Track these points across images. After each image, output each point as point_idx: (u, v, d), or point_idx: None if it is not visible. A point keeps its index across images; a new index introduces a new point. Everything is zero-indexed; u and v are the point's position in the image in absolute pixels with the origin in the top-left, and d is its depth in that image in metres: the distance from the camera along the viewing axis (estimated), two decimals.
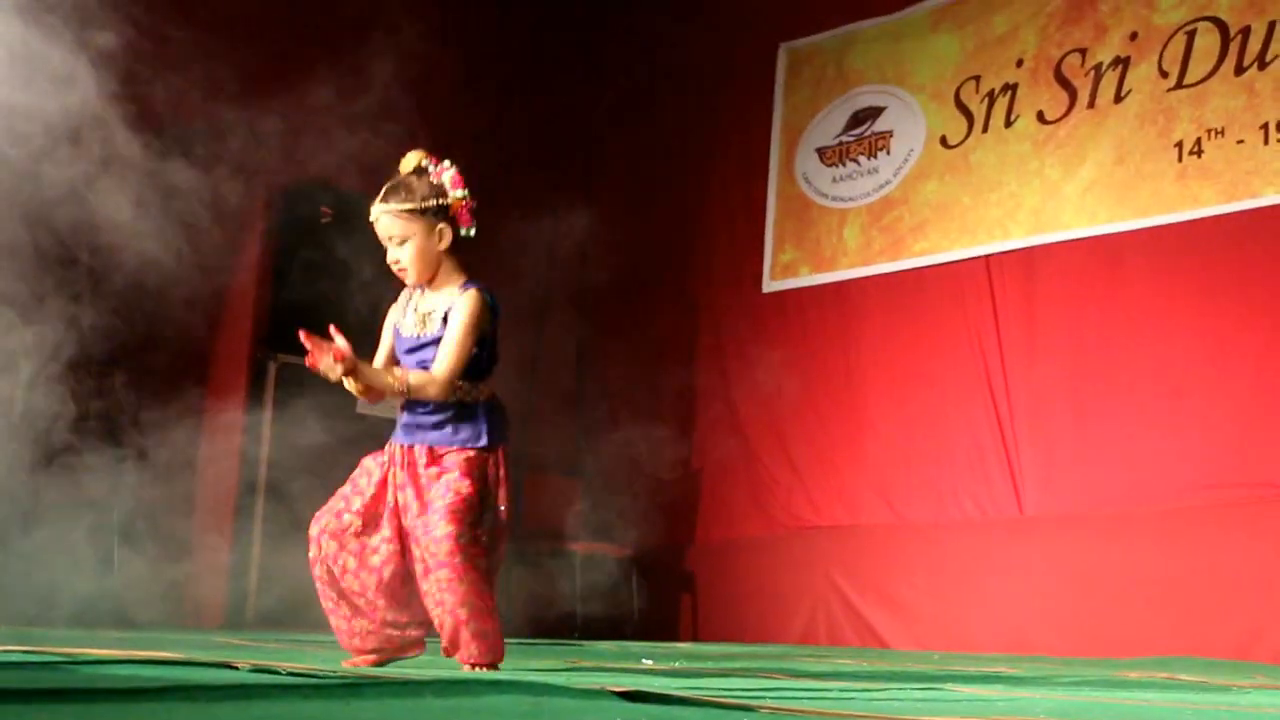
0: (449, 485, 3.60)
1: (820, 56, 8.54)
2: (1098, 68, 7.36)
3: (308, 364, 3.59)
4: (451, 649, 3.63)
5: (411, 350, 3.72)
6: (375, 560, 3.68)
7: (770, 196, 8.61)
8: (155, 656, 3.10)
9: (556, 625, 7.77)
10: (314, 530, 3.73)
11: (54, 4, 5.25)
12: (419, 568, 3.60)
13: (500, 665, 3.65)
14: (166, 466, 6.71)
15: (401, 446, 3.71)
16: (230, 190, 6.66)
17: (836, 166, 8.35)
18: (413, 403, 3.69)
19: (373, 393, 3.68)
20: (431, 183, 3.71)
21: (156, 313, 6.59)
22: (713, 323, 8.77)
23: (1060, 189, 7.39)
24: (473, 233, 3.75)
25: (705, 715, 2.26)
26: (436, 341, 3.67)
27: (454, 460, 3.65)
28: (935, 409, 7.65)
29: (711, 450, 8.57)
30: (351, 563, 3.69)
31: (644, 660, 4.79)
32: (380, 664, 3.75)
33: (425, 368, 3.67)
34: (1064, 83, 7.49)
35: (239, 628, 6.78)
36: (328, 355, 3.52)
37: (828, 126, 8.46)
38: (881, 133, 8.19)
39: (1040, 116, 7.54)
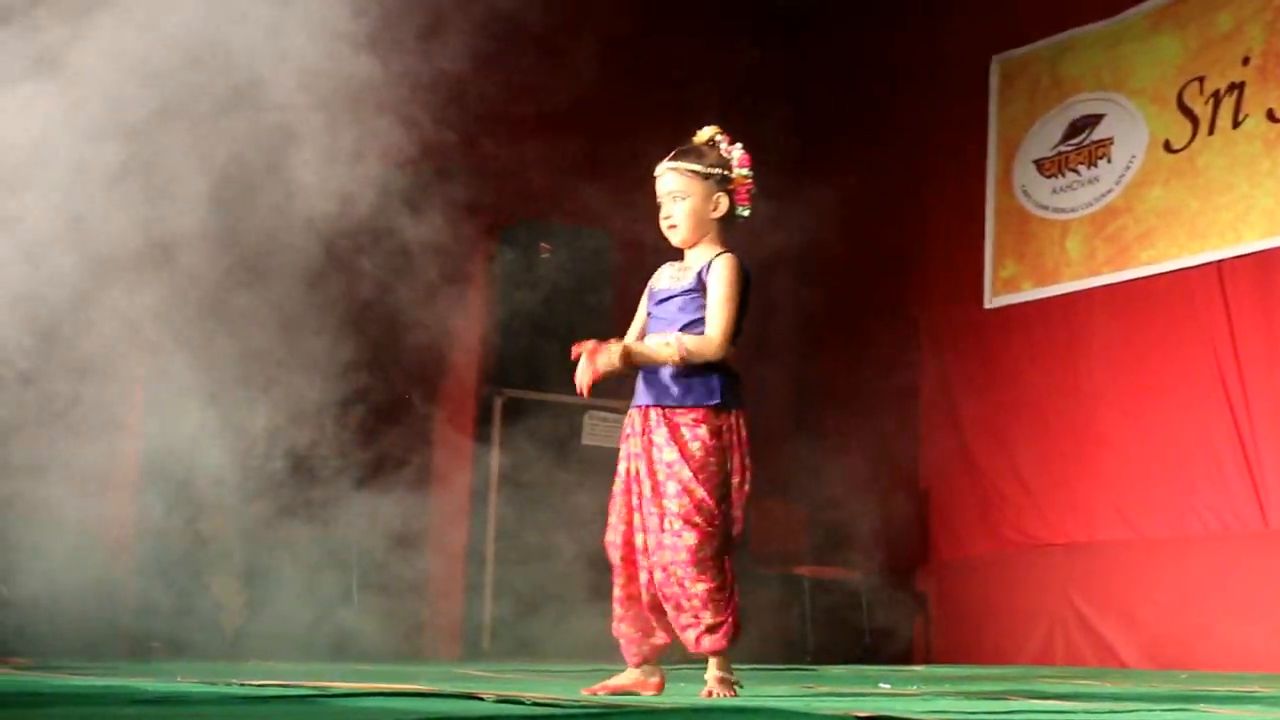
0: (681, 482, 3.63)
1: (1034, 66, 8.43)
2: None
3: (582, 368, 3.67)
4: (693, 645, 3.68)
5: (662, 301, 3.81)
6: (611, 537, 3.80)
7: (988, 211, 8.52)
8: (402, 689, 3.17)
9: (788, 651, 7.71)
10: (606, 540, 3.84)
11: None
12: (659, 575, 3.66)
13: (735, 643, 3.69)
14: (402, 501, 6.88)
15: (638, 409, 3.77)
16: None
17: (1056, 177, 8.21)
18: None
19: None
20: (721, 154, 3.85)
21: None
22: (934, 342, 8.69)
23: None
24: (747, 214, 3.85)
25: None
26: (687, 293, 3.76)
27: (687, 426, 3.68)
28: (1170, 420, 7.46)
29: (938, 469, 8.51)
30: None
31: (881, 684, 4.75)
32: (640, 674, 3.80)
33: (677, 316, 3.75)
34: None
35: (476, 659, 6.89)
36: (602, 352, 3.63)
37: (1045, 137, 8.33)
38: (1101, 140, 8.04)
39: (1270, 115, 7.30)
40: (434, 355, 7.46)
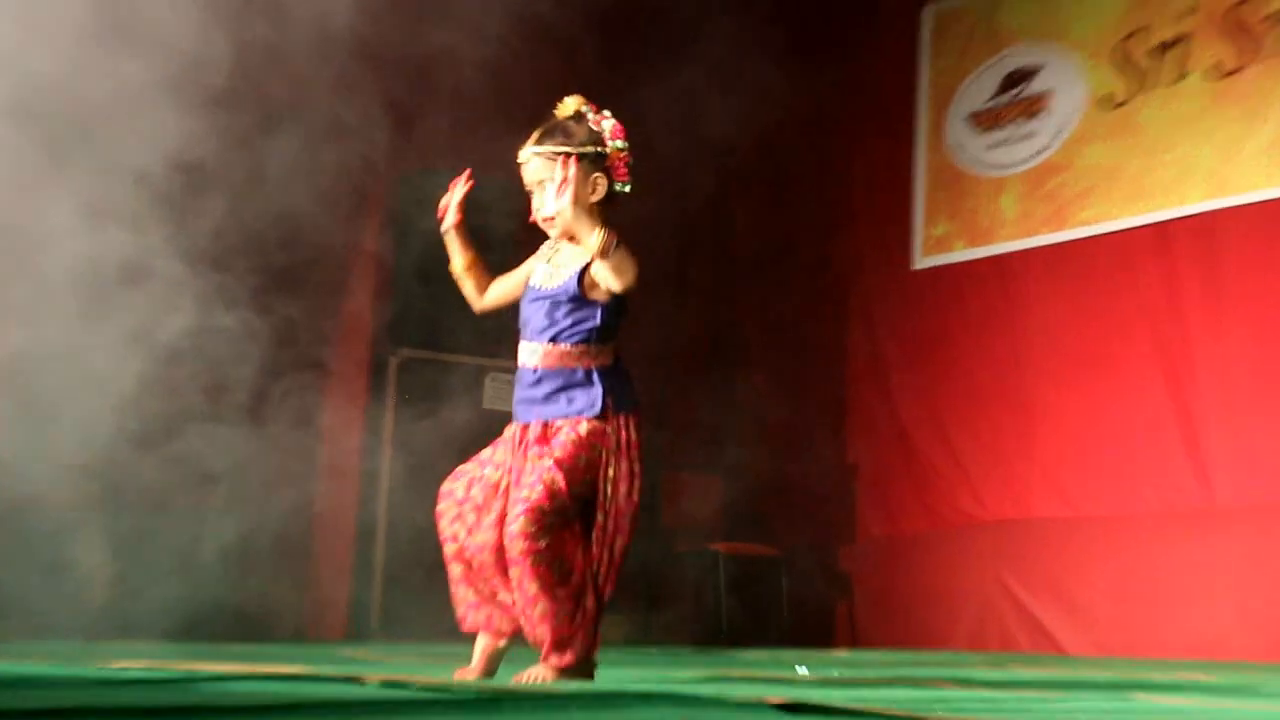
0: (541, 474, 3.49)
1: (969, 15, 8.47)
2: None
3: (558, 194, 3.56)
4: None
5: (535, 300, 3.67)
6: (480, 539, 3.59)
7: (918, 166, 8.55)
8: (278, 671, 3.10)
9: (701, 632, 7.75)
10: (443, 488, 3.71)
11: None
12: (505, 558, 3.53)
13: (585, 669, 3.53)
14: (286, 470, 6.75)
15: (519, 426, 3.64)
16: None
17: (990, 132, 8.25)
18: (524, 377, 3.64)
19: (475, 272, 3.82)
20: (591, 129, 3.66)
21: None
22: (862, 303, 8.72)
23: (1240, 148, 7.23)
24: (628, 189, 3.69)
25: None
26: (568, 298, 3.61)
27: (564, 436, 3.55)
28: (1110, 391, 7.51)
29: (865, 441, 8.53)
30: (462, 533, 3.63)
31: (799, 669, 4.77)
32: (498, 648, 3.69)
33: (547, 320, 3.62)
34: (1242, 31, 7.32)
35: (363, 640, 6.86)
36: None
37: (979, 90, 8.36)
38: (1038, 94, 8.08)
39: (1215, 70, 7.38)
40: (323, 313, 7.33)
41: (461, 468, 3.72)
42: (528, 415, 3.63)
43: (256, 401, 6.50)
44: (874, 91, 8.79)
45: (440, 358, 7.35)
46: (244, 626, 6.37)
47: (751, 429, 8.26)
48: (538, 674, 3.49)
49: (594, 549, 3.55)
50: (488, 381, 7.27)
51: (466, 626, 3.70)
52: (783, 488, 8.25)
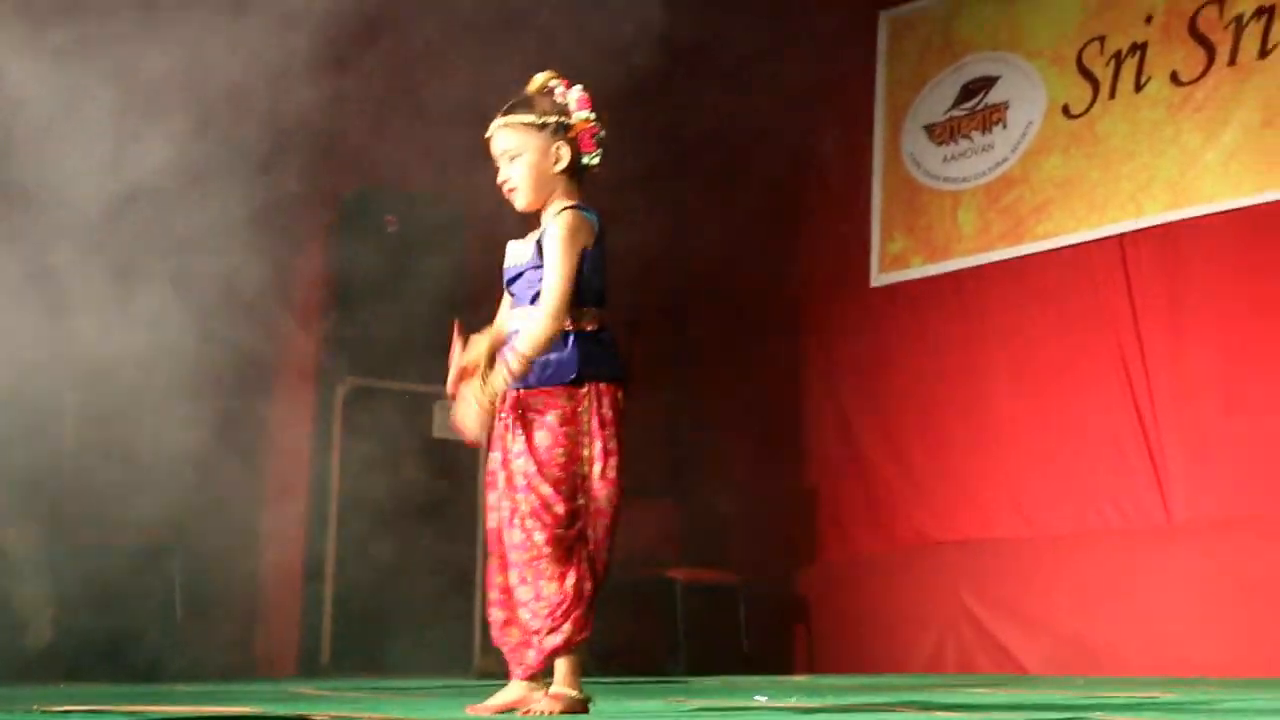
0: (527, 477, 3.49)
1: (925, 24, 8.50)
2: (1239, 20, 7.24)
3: (464, 413, 3.60)
4: (536, 654, 3.54)
5: (512, 280, 3.69)
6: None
7: (875, 180, 8.55)
8: (224, 712, 3.11)
9: (657, 661, 7.74)
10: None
11: None
12: (513, 575, 3.53)
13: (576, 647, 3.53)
14: (231, 502, 6.83)
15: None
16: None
17: (947, 144, 8.29)
18: (510, 341, 3.60)
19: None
20: (556, 101, 3.71)
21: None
22: (817, 322, 8.72)
23: (1200, 157, 7.29)
24: (596, 161, 3.70)
25: None
26: (531, 267, 3.62)
27: (539, 429, 3.54)
28: (1069, 406, 7.56)
29: (822, 462, 8.52)
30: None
31: (757, 697, 4.76)
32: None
33: (525, 294, 3.63)
34: (1200, 39, 7.38)
35: (313, 676, 6.83)
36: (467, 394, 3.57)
37: (936, 101, 8.40)
38: (996, 105, 8.14)
39: (1174, 78, 7.44)
40: (265, 339, 7.27)
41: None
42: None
43: (199, 434, 6.43)
44: (829, 103, 8.78)
45: (388, 385, 7.34)
46: (191, 665, 6.36)
47: (706, 452, 8.29)
48: (540, 708, 3.48)
49: (577, 533, 3.51)
50: (436, 409, 7.17)
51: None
52: (739, 512, 8.25)
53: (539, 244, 3.62)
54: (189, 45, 5.74)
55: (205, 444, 6.56)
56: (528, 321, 3.56)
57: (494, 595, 3.62)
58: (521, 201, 3.71)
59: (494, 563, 3.63)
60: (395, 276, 7.26)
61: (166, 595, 6.67)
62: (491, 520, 3.66)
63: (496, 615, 3.62)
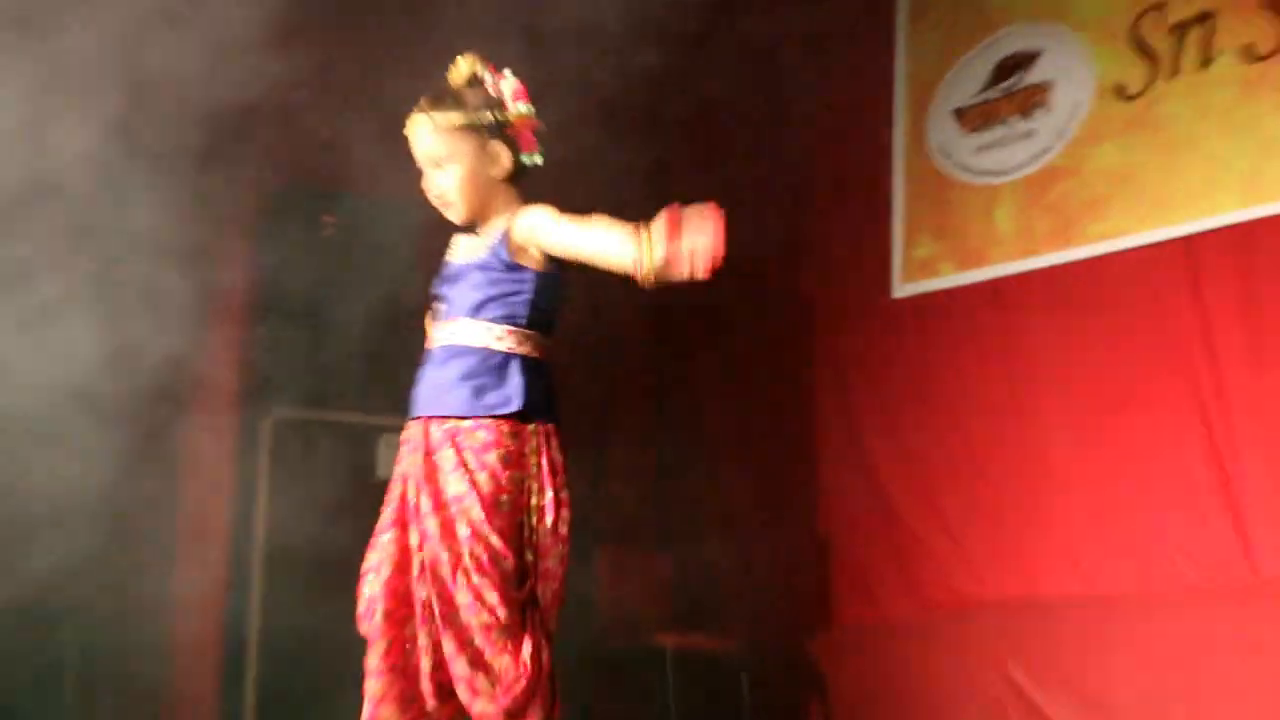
0: (473, 524, 3.37)
1: None
2: None
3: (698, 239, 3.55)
4: None
5: (456, 276, 3.60)
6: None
7: (895, 175, 8.18)
8: None
9: None
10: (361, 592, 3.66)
11: None
12: (449, 644, 3.39)
13: None
14: (135, 564, 6.57)
15: (418, 420, 3.54)
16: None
17: (981, 132, 7.88)
18: (432, 357, 3.57)
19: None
20: (488, 94, 3.60)
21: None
22: (832, 341, 8.34)
23: None
24: (538, 160, 3.63)
25: None
26: (483, 268, 3.54)
27: (473, 450, 3.42)
28: (1131, 442, 7.03)
29: (840, 508, 8.12)
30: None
31: None
32: None
33: (469, 295, 3.56)
34: (1278, 5, 6.92)
35: None
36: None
37: (966, 81, 7.99)
38: (1037, 85, 7.71)
39: (1249, 52, 6.93)
40: (178, 361, 6.74)
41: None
42: (429, 406, 3.52)
43: (95, 474, 6.15)
44: (845, 86, 8.47)
45: (324, 417, 7.08)
46: None
47: (702, 496, 8.04)
48: None
49: (528, 594, 3.44)
50: (381, 445, 6.99)
51: None
52: (742, 567, 7.93)
53: (496, 249, 3.54)
54: (96, 21, 5.56)
55: (103, 487, 6.27)
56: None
57: (426, 663, 3.48)
58: (457, 215, 3.65)
59: (380, 630, 3.53)
60: (333, 287, 7.06)
61: (54, 669, 6.41)
62: (374, 584, 3.55)
63: (373, 688, 3.54)
